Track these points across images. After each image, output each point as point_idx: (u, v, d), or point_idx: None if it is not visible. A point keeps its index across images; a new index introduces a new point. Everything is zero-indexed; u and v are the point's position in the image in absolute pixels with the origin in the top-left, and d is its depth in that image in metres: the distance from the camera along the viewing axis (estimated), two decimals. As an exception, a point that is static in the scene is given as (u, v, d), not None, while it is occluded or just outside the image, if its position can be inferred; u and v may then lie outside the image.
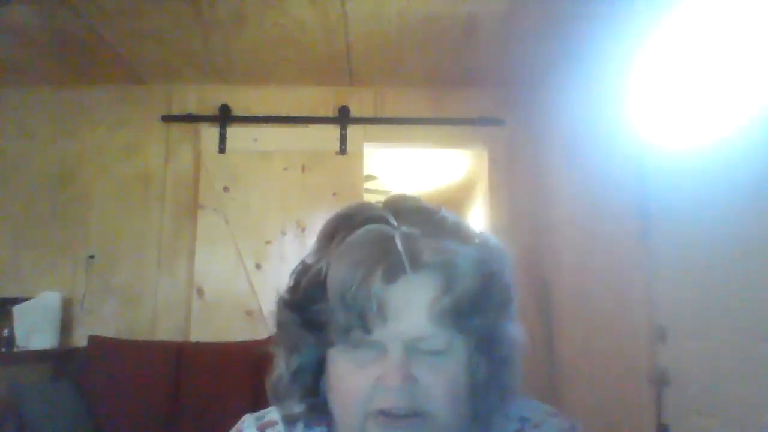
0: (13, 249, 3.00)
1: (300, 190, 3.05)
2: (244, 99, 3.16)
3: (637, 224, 1.90)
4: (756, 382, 1.34)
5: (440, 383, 0.57)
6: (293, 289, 0.64)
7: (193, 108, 3.15)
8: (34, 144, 3.10)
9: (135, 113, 3.15)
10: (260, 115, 3.15)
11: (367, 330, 0.57)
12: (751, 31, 1.38)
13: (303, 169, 3.08)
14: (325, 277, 0.59)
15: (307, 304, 0.61)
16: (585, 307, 2.40)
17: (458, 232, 0.62)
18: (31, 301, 2.74)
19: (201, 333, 2.86)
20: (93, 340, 2.65)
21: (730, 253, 1.44)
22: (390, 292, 0.56)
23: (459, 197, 5.16)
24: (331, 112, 3.15)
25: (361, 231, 0.59)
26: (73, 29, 2.56)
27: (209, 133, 3.11)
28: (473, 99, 3.15)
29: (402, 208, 0.63)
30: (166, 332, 2.91)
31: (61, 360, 2.67)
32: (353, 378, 0.58)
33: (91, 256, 2.98)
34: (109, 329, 2.84)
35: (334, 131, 3.12)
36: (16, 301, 2.74)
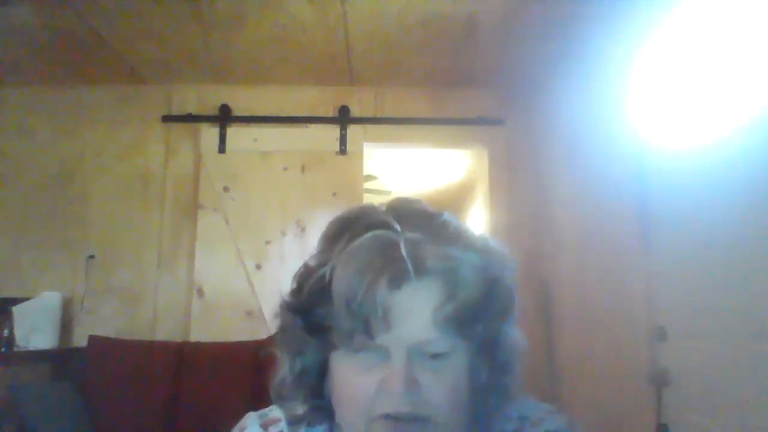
0: (13, 249, 3.00)
1: (300, 190, 3.05)
2: (244, 99, 3.16)
3: (637, 224, 1.90)
4: (755, 382, 1.34)
5: (442, 387, 0.58)
6: (296, 292, 0.65)
7: (193, 108, 3.15)
8: (34, 144, 3.10)
9: (135, 113, 3.15)
10: (260, 115, 3.15)
11: (371, 335, 0.57)
12: (751, 31, 1.38)
13: (303, 169, 3.08)
14: (329, 282, 0.59)
15: (311, 307, 0.62)
16: (585, 307, 2.40)
17: (461, 238, 0.62)
18: (31, 301, 2.74)
19: (201, 333, 2.86)
20: (93, 340, 2.65)
21: (730, 253, 1.44)
22: (395, 299, 0.57)
23: (459, 197, 5.15)
24: (331, 112, 3.15)
25: (365, 236, 0.59)
26: (73, 29, 2.56)
27: (209, 133, 3.11)
28: (473, 99, 3.15)
29: (405, 213, 0.63)
30: (166, 332, 2.91)
31: (61, 360, 2.67)
32: (356, 382, 0.59)
33: (91, 256, 2.98)
34: (109, 329, 2.84)
35: (334, 131, 3.12)
36: (16, 301, 2.73)
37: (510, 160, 3.11)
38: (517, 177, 3.09)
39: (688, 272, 1.64)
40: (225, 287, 2.95)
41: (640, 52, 1.92)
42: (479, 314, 0.59)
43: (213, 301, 2.93)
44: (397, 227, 0.60)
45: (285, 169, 3.08)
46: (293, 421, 0.67)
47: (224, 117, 3.12)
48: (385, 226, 0.60)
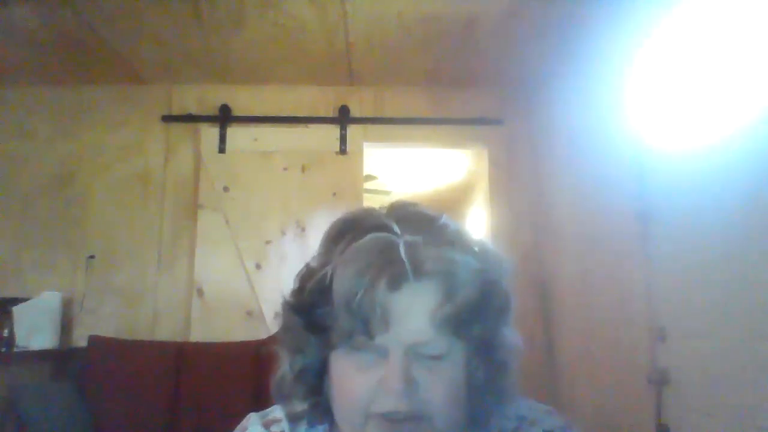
0: (13, 249, 2.99)
1: (300, 190, 3.05)
2: (244, 99, 3.16)
3: (637, 224, 1.90)
4: (756, 382, 1.34)
5: (439, 387, 0.59)
6: (298, 292, 0.66)
7: (193, 108, 3.16)
8: (34, 144, 3.10)
9: (135, 113, 3.15)
10: (260, 115, 3.15)
11: (371, 335, 0.59)
12: (751, 31, 1.38)
13: (303, 169, 3.08)
14: (330, 282, 0.61)
15: (312, 307, 0.63)
16: (585, 307, 2.40)
17: (459, 241, 0.63)
18: (31, 301, 2.74)
19: (201, 333, 2.86)
20: (93, 340, 2.65)
21: (730, 253, 1.44)
22: (393, 300, 0.58)
23: (459, 197, 5.16)
24: (331, 112, 3.15)
25: (366, 239, 0.60)
26: (73, 29, 2.56)
27: (209, 133, 3.11)
28: (473, 99, 3.15)
29: (405, 215, 0.65)
30: (166, 332, 2.91)
31: (61, 360, 2.67)
32: (355, 380, 0.60)
33: (91, 256, 2.98)
34: (109, 329, 2.83)
35: (334, 131, 3.12)
36: (16, 301, 2.73)
37: (510, 160, 3.11)
38: (517, 177, 3.09)
39: (688, 272, 1.64)
40: (225, 287, 2.95)
41: (640, 52, 1.92)
42: (476, 316, 0.61)
43: (213, 301, 2.93)
44: (397, 230, 0.62)
45: (285, 169, 3.08)
46: (293, 419, 0.68)
47: (224, 117, 3.12)
48: (385, 228, 0.62)
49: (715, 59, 1.53)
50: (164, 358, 2.60)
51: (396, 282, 0.58)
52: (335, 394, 0.63)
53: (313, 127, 3.14)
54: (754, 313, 1.35)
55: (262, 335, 2.72)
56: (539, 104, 3.00)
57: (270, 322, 2.81)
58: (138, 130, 3.13)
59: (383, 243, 0.60)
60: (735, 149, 1.44)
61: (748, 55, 1.39)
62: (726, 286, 1.45)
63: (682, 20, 1.70)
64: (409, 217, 0.65)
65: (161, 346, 2.72)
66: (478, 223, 4.12)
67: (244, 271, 2.96)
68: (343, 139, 3.10)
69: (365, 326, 0.58)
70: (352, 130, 3.13)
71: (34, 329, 2.67)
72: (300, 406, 0.67)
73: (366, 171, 3.30)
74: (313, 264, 0.66)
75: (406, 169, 4.54)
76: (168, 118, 3.14)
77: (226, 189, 3.04)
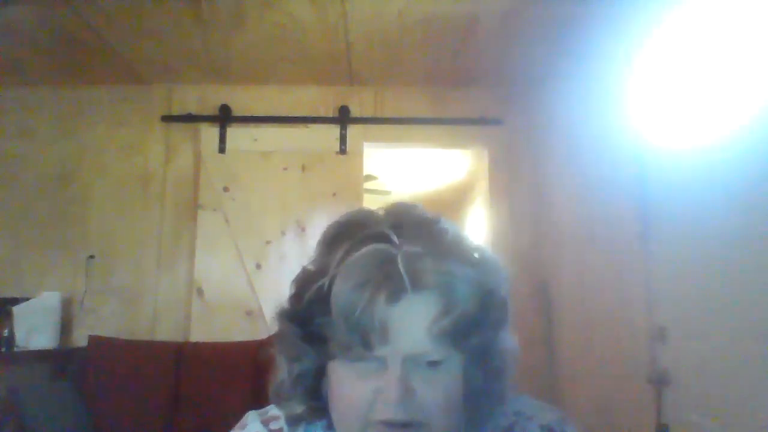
0: (13, 249, 3.00)
1: (300, 190, 3.05)
2: (244, 99, 3.16)
3: (637, 224, 1.90)
4: (755, 382, 1.34)
5: (437, 395, 0.60)
6: (294, 300, 0.66)
7: (193, 108, 3.16)
8: (34, 144, 3.10)
9: (135, 113, 3.15)
10: (260, 115, 3.15)
11: (369, 348, 0.59)
12: (751, 31, 1.38)
13: (303, 169, 3.08)
14: (328, 292, 0.61)
15: (309, 317, 0.64)
16: (585, 307, 2.40)
17: (457, 249, 0.63)
18: (31, 301, 2.74)
19: (201, 333, 2.86)
20: (93, 340, 2.65)
21: (730, 253, 1.44)
22: (392, 313, 0.59)
23: (459, 197, 5.16)
24: (331, 112, 3.15)
25: (363, 251, 0.60)
26: (73, 29, 2.56)
27: (209, 133, 3.11)
28: (473, 99, 3.15)
29: (403, 222, 0.64)
30: (166, 332, 2.91)
31: (61, 360, 2.67)
32: (353, 388, 0.61)
33: (91, 256, 2.98)
34: (109, 329, 2.84)
35: (334, 131, 3.12)
36: (16, 301, 2.73)
37: (510, 160, 3.11)
38: (517, 177, 3.09)
39: (688, 272, 1.64)
40: (225, 287, 2.95)
41: (640, 52, 1.92)
42: (474, 327, 0.61)
43: (213, 301, 2.93)
44: (395, 239, 0.61)
45: (285, 169, 3.07)
46: (292, 421, 0.69)
47: (224, 117, 3.12)
48: (383, 238, 0.61)
49: (715, 59, 1.53)
50: (164, 358, 2.60)
51: (395, 296, 0.58)
52: (334, 401, 0.64)
53: (313, 127, 3.14)
54: (754, 313, 1.35)
55: (262, 335, 2.72)
56: (539, 104, 3.00)
57: (270, 322, 2.79)
58: (138, 130, 3.13)
59: (381, 256, 0.60)
60: (735, 149, 1.44)
61: (748, 55, 1.39)
62: (726, 286, 1.45)
63: (682, 20, 1.70)
64: (408, 223, 0.64)
65: (161, 346, 2.72)
66: (478, 223, 4.12)
67: (244, 271, 2.96)
68: (343, 139, 3.10)
69: (364, 340, 0.59)
70: (352, 130, 3.13)
71: (34, 329, 2.68)
72: (298, 408, 0.68)
73: (366, 171, 3.30)
74: (310, 268, 0.66)
75: (406, 169, 4.54)
76: (168, 118, 3.14)
77: (226, 189, 3.04)
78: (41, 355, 2.63)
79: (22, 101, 3.14)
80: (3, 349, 2.60)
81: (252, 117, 3.14)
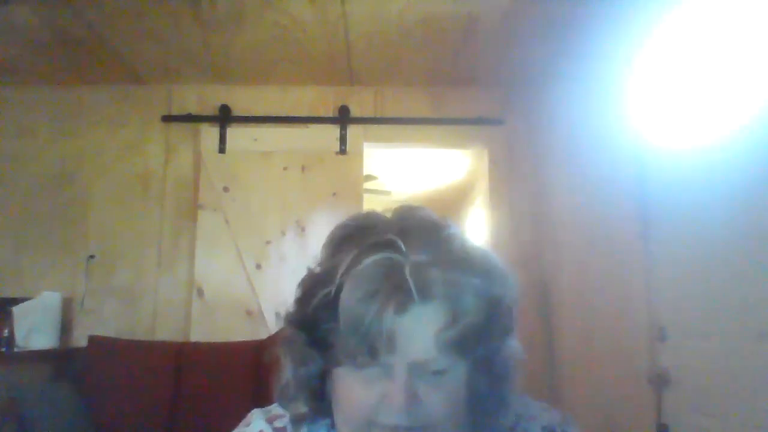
0: (13, 249, 3.00)
1: (300, 190, 3.05)
2: (244, 99, 3.16)
3: (637, 224, 1.90)
4: (756, 382, 1.34)
5: (442, 401, 0.61)
6: (300, 304, 0.67)
7: (193, 108, 3.15)
8: (34, 144, 3.10)
9: (135, 113, 3.15)
10: (260, 115, 3.14)
11: (376, 356, 0.60)
12: (751, 31, 1.38)
13: (303, 169, 3.08)
14: (335, 300, 0.61)
15: (315, 323, 0.64)
16: (585, 307, 2.40)
17: (465, 258, 0.63)
18: (31, 301, 2.74)
19: (201, 333, 2.86)
20: (93, 340, 2.65)
21: (730, 253, 1.44)
22: (400, 323, 0.59)
23: (459, 197, 5.16)
24: (331, 112, 3.15)
25: (371, 260, 0.61)
26: (73, 29, 2.56)
27: (209, 133, 3.11)
28: (473, 99, 3.15)
29: (411, 228, 0.64)
30: (166, 332, 2.91)
31: (61, 360, 2.67)
32: (359, 394, 0.62)
33: (91, 256, 2.98)
34: (109, 329, 2.84)
35: (334, 131, 3.12)
36: (16, 301, 2.73)
37: (510, 160, 3.11)
38: (517, 177, 3.09)
39: (688, 272, 1.64)
40: (225, 287, 2.95)
41: (641, 51, 1.92)
42: (480, 336, 0.62)
43: (213, 301, 2.93)
44: (402, 247, 0.61)
45: (285, 169, 3.07)
46: (296, 420, 0.70)
47: (224, 117, 3.12)
48: (391, 246, 0.61)
49: (715, 59, 1.53)
50: (164, 358, 2.60)
51: (403, 306, 0.59)
52: (339, 405, 0.65)
53: (313, 127, 3.14)
54: (754, 312, 1.35)
55: (262, 335, 2.72)
56: (539, 104, 3.00)
57: (270, 322, 2.81)
58: (138, 130, 3.13)
59: (389, 265, 0.60)
60: (735, 149, 1.44)
61: (748, 55, 1.39)
62: (726, 286, 1.45)
63: (682, 20, 1.70)
64: (415, 228, 0.64)
65: (161, 346, 2.72)
66: (478, 223, 4.12)
67: (244, 271, 2.96)
68: (343, 139, 3.10)
69: (371, 348, 0.60)
70: (352, 130, 3.13)
71: (34, 329, 2.67)
72: (302, 408, 0.69)
73: (366, 171, 3.30)
74: (316, 271, 0.66)
75: (406, 169, 4.54)
76: (168, 118, 3.14)
77: (226, 189, 3.04)
78: (41, 355, 2.63)
79: (22, 101, 3.14)
80: (3, 349, 2.60)
81: (252, 117, 3.14)
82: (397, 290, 0.59)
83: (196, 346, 2.74)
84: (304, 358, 0.66)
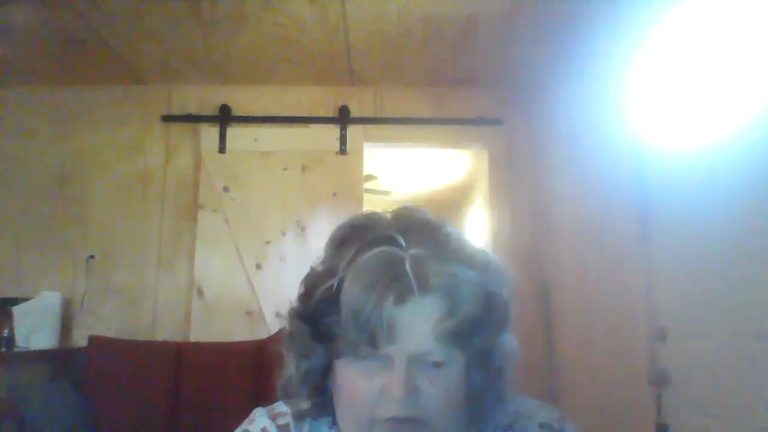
0: (13, 249, 3.00)
1: (300, 190, 3.05)
2: (244, 99, 3.16)
3: (637, 224, 1.90)
4: (756, 382, 1.34)
5: (440, 393, 0.62)
6: (304, 299, 0.69)
7: (193, 108, 3.16)
8: (34, 144, 3.10)
9: (135, 113, 3.15)
10: (260, 115, 3.15)
11: (376, 346, 0.62)
12: (751, 31, 1.38)
13: (303, 169, 3.08)
14: (337, 293, 0.63)
15: (318, 316, 0.66)
16: (585, 307, 2.40)
17: (462, 253, 0.66)
18: (31, 301, 2.74)
19: (201, 333, 2.86)
20: (93, 340, 2.65)
21: (730, 253, 1.44)
22: (399, 314, 0.61)
23: (459, 197, 5.16)
24: (331, 112, 3.15)
25: (372, 252, 0.63)
26: (73, 29, 2.56)
27: (209, 133, 3.11)
28: (473, 99, 3.15)
29: (410, 226, 0.67)
30: (166, 332, 2.91)
31: (61, 360, 2.67)
32: (360, 386, 0.63)
33: (91, 256, 2.98)
34: (109, 329, 2.84)
35: (334, 131, 3.12)
36: (16, 301, 2.73)
37: (510, 160, 3.11)
38: (517, 177, 3.09)
39: (688, 272, 1.64)
40: (225, 287, 2.95)
41: (641, 51, 1.92)
42: (477, 328, 0.64)
43: (213, 301, 2.93)
44: (402, 242, 0.64)
45: (285, 169, 3.07)
46: (299, 416, 0.72)
47: (224, 117, 3.12)
48: (391, 241, 0.64)
49: (715, 59, 1.53)
50: (164, 358, 2.60)
51: (402, 297, 0.61)
52: (340, 399, 0.66)
53: (313, 127, 3.14)
54: (754, 312, 1.35)
55: (262, 335, 2.72)
56: (539, 104, 3.00)
57: (270, 322, 2.81)
58: (138, 130, 3.13)
59: (389, 258, 0.62)
60: (735, 149, 1.44)
61: (748, 55, 1.39)
62: (726, 286, 1.45)
63: (682, 20, 1.70)
64: (414, 227, 0.67)
65: (161, 346, 2.72)
66: (478, 223, 4.12)
67: (244, 271, 2.96)
68: (343, 139, 3.10)
69: (371, 339, 0.61)
70: (352, 130, 3.13)
71: (34, 329, 2.67)
72: (305, 404, 0.70)
73: (366, 171, 3.30)
74: (319, 269, 0.68)
75: (406, 169, 4.54)
76: (168, 118, 3.14)
77: (226, 189, 3.04)
78: (41, 355, 2.63)
79: (22, 101, 3.14)
80: (3, 349, 2.60)
81: (252, 117, 3.14)
82: (396, 282, 0.61)
83: (196, 346, 2.74)
84: (307, 351, 0.68)
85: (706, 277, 1.54)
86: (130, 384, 2.51)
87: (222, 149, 3.08)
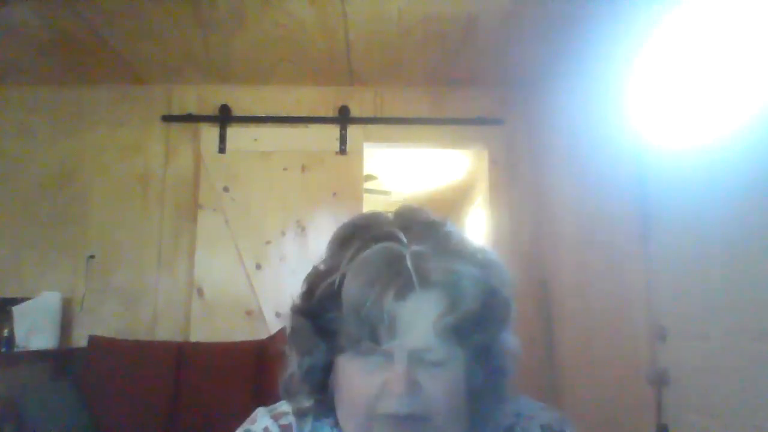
0: (13, 249, 3.00)
1: (300, 190, 3.05)
2: (244, 99, 3.16)
3: (637, 224, 1.90)
4: (755, 382, 1.34)
5: (441, 390, 0.62)
6: (306, 295, 0.69)
7: (193, 108, 3.16)
8: (34, 144, 3.10)
9: (135, 113, 3.15)
10: (260, 115, 3.15)
11: (377, 342, 0.62)
12: (751, 31, 1.38)
13: (303, 169, 3.08)
14: (339, 289, 0.63)
15: (320, 312, 0.66)
16: (585, 307, 2.40)
17: (463, 250, 0.66)
18: (31, 301, 2.74)
19: (201, 333, 2.86)
20: (93, 340, 2.65)
21: (730, 253, 1.44)
22: (400, 309, 0.61)
23: (459, 197, 5.16)
24: (331, 112, 3.15)
25: (373, 248, 0.63)
26: (73, 29, 2.56)
27: (209, 133, 3.11)
28: (473, 99, 3.15)
29: (411, 223, 0.67)
30: (166, 332, 2.91)
31: (61, 360, 2.67)
32: (361, 382, 0.63)
33: (91, 256, 2.98)
34: (109, 329, 2.84)
35: (334, 131, 3.12)
36: (16, 301, 2.74)
37: (510, 160, 3.11)
38: (517, 177, 3.09)
39: (688, 272, 1.64)
40: (225, 287, 2.95)
41: (641, 51, 1.92)
42: (477, 325, 0.64)
43: (213, 301, 2.93)
44: (404, 239, 0.64)
45: (285, 169, 3.08)
46: (300, 414, 0.72)
47: (224, 117, 3.12)
48: (392, 238, 0.64)
49: (715, 58, 1.53)
50: (164, 358, 2.60)
51: (403, 293, 0.61)
52: (341, 395, 0.66)
53: (313, 127, 3.14)
54: (754, 312, 1.35)
55: (262, 335, 2.72)
56: (539, 104, 3.00)
57: (270, 322, 2.81)
58: (138, 130, 3.13)
59: (391, 254, 0.62)
60: (734, 149, 1.44)
61: (748, 55, 1.39)
62: (726, 286, 1.45)
63: (682, 20, 1.70)
64: (415, 224, 0.67)
65: (161, 346, 2.72)
66: (478, 223, 4.12)
67: (244, 271, 2.96)
68: (343, 139, 3.10)
69: (373, 334, 0.61)
70: (352, 130, 3.13)
71: (34, 329, 2.68)
72: (306, 402, 0.70)
73: (366, 171, 3.30)
74: (321, 267, 0.68)
75: (406, 169, 4.54)
76: (168, 118, 3.14)
77: (226, 189, 3.04)
78: (41, 355, 2.63)
79: (22, 101, 3.14)
80: (3, 349, 2.60)
81: (252, 117, 3.14)
82: (397, 277, 0.61)
83: (196, 346, 2.74)
84: (309, 347, 0.68)
85: (706, 277, 1.54)
86: (130, 384, 2.51)
87: (222, 149, 3.09)
